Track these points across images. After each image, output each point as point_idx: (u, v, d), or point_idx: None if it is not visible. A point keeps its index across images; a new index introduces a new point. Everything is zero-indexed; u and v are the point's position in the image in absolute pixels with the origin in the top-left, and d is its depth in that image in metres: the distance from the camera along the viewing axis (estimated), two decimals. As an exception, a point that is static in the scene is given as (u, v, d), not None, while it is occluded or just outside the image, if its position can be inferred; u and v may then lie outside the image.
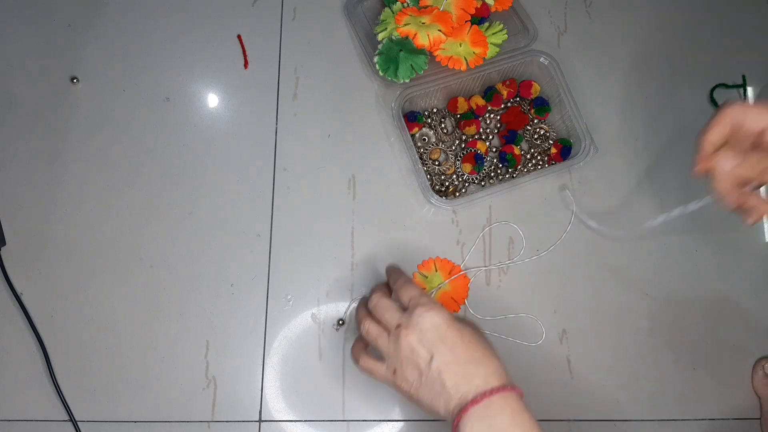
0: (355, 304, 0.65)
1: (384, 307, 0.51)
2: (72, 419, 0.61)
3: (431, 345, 0.47)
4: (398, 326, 0.49)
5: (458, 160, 0.70)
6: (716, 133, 0.49)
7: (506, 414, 0.44)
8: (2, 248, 0.66)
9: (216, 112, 0.72)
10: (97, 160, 0.69)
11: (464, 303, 0.66)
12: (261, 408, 0.63)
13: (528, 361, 0.65)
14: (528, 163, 0.71)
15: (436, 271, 0.66)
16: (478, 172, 0.70)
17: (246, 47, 0.74)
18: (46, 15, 0.74)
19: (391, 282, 0.56)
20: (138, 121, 0.71)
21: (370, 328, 0.51)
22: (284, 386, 0.63)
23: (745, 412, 0.66)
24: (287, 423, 0.62)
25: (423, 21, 0.68)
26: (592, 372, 0.65)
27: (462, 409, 0.44)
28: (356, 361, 0.53)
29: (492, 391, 0.44)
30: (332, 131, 0.71)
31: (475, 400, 0.44)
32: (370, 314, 0.53)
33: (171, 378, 0.63)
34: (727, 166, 0.50)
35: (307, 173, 0.70)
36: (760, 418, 0.65)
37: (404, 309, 0.50)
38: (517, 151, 0.70)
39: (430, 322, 0.47)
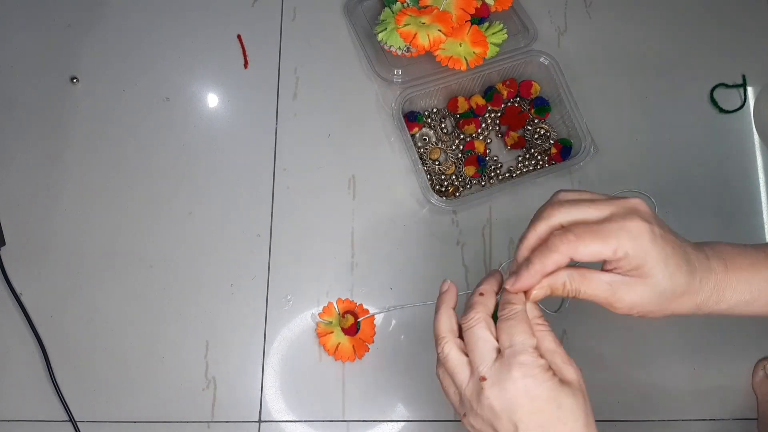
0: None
1: (477, 338, 0.40)
2: (71, 419, 0.61)
3: (518, 417, 0.38)
4: (483, 378, 0.39)
5: (460, 162, 0.70)
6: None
7: None
8: (2, 248, 0.66)
9: (216, 112, 0.72)
10: (96, 160, 0.69)
11: (372, 341, 0.63)
12: (261, 408, 0.63)
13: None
14: (528, 163, 0.71)
15: (340, 315, 0.63)
16: (482, 174, 0.70)
17: (246, 47, 0.74)
18: (46, 15, 0.74)
19: (500, 307, 0.43)
20: (138, 121, 0.71)
21: (451, 354, 0.41)
22: (284, 386, 0.63)
23: (744, 413, 0.66)
24: (287, 423, 0.62)
25: (423, 21, 0.68)
26: (593, 372, 0.65)
27: None
28: (438, 364, 0.43)
29: None
30: (332, 131, 0.71)
31: None
32: (458, 331, 0.42)
33: (171, 378, 0.63)
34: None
35: (307, 173, 0.70)
36: (757, 419, 0.65)
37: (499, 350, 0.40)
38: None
39: (524, 391, 0.38)
